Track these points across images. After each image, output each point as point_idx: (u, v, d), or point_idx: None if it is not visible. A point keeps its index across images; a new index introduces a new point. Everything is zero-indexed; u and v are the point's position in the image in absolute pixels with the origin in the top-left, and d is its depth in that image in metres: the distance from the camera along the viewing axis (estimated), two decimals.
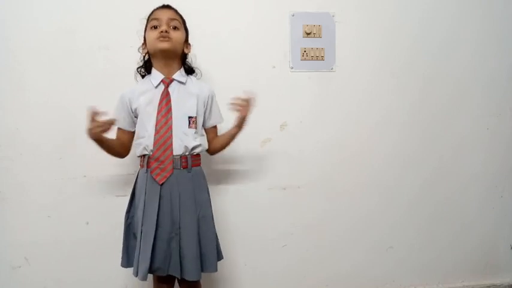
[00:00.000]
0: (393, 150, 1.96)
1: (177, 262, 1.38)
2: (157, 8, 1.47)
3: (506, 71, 2.02)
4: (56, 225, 1.73)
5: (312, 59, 1.86)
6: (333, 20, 1.87)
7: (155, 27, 1.42)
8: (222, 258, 1.54)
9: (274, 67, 1.84)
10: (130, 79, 1.62)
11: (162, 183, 1.39)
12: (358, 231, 1.96)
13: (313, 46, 1.86)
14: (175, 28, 1.44)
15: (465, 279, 2.06)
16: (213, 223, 1.49)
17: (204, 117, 1.51)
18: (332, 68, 1.88)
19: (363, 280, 1.98)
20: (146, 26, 1.48)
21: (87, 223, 1.75)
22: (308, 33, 1.85)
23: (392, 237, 1.99)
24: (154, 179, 1.39)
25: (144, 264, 1.35)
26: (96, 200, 1.74)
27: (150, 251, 1.35)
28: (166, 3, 1.51)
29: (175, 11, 1.49)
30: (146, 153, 1.42)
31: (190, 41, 1.60)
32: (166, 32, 1.40)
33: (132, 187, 1.50)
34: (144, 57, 1.54)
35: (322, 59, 1.87)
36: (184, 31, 1.50)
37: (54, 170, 1.71)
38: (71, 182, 1.72)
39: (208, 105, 1.52)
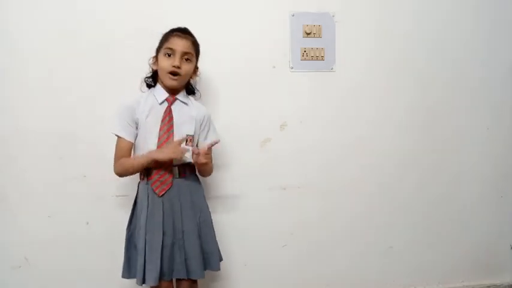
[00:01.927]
0: (394, 150, 1.96)
1: (181, 264, 1.44)
2: (176, 34, 1.46)
3: (507, 70, 2.02)
4: (56, 225, 1.73)
5: (312, 59, 1.86)
6: (333, 20, 1.87)
7: (169, 55, 1.44)
8: (222, 259, 1.59)
9: (274, 67, 1.84)
10: (130, 79, 1.62)
11: (162, 195, 1.44)
12: (358, 231, 1.96)
13: (313, 46, 1.86)
14: (187, 60, 1.46)
15: (465, 279, 2.06)
16: (213, 226, 1.56)
17: (200, 137, 1.55)
18: (332, 68, 1.88)
19: (363, 280, 1.98)
20: (161, 45, 1.48)
21: (87, 223, 1.75)
22: (308, 33, 1.85)
23: (392, 237, 1.99)
24: (153, 191, 1.44)
25: (154, 271, 1.39)
26: (96, 200, 1.74)
27: (159, 260, 1.40)
28: (183, 28, 1.49)
29: (192, 40, 1.49)
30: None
31: None
32: (178, 67, 1.43)
33: (129, 188, 1.55)
34: (152, 69, 1.54)
35: (322, 59, 1.87)
36: (195, 60, 1.51)
37: (54, 170, 1.71)
38: (71, 182, 1.72)
39: (205, 126, 1.56)
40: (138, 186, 1.51)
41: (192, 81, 1.60)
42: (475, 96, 2.01)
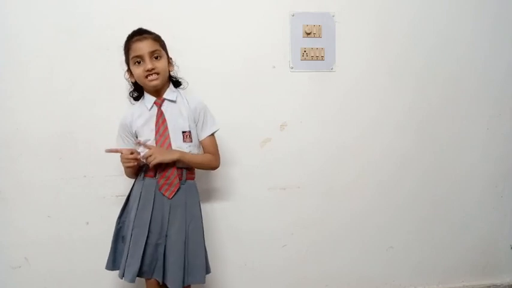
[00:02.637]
0: (394, 150, 1.96)
1: (160, 268, 1.42)
2: (134, 40, 1.43)
3: (506, 70, 2.02)
4: (56, 225, 1.73)
5: (312, 59, 1.86)
6: (333, 20, 1.87)
7: (138, 62, 1.43)
8: (210, 272, 1.54)
9: (274, 67, 1.84)
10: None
11: (172, 197, 1.44)
12: (358, 231, 1.96)
13: (313, 46, 1.86)
14: (157, 57, 1.44)
15: (465, 279, 2.07)
16: (203, 236, 1.51)
17: (197, 129, 1.53)
18: (332, 68, 1.88)
19: (363, 280, 1.98)
20: (127, 56, 1.47)
21: (87, 223, 1.75)
22: (308, 33, 1.85)
23: (392, 237, 1.99)
24: (163, 195, 1.44)
25: (134, 267, 1.39)
26: (96, 200, 1.74)
27: (140, 255, 1.39)
28: (139, 29, 1.47)
29: (151, 37, 1.45)
30: (144, 162, 1.46)
31: (191, 40, 1.60)
32: (152, 69, 1.41)
33: (129, 189, 1.54)
34: (131, 82, 1.54)
35: (322, 59, 1.87)
36: (164, 53, 1.48)
37: (54, 170, 1.71)
38: (71, 182, 1.72)
39: (199, 118, 1.52)
40: (134, 181, 1.52)
41: (173, 73, 1.57)
42: (475, 96, 2.01)
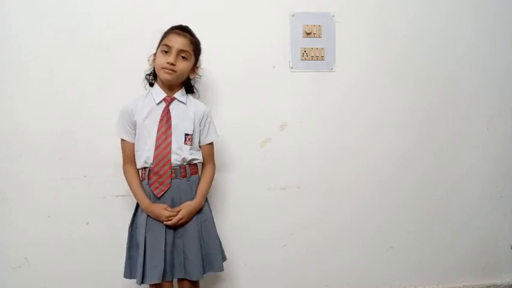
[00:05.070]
0: (394, 150, 1.96)
1: (181, 263, 1.45)
2: (174, 32, 1.46)
3: (506, 70, 2.02)
4: (56, 225, 1.73)
5: (312, 59, 1.86)
6: (333, 20, 1.87)
7: (165, 52, 1.44)
8: (226, 259, 1.59)
9: (274, 67, 1.84)
10: (130, 79, 1.62)
11: (161, 196, 1.45)
12: (358, 231, 1.96)
13: (313, 46, 1.86)
14: (184, 58, 1.45)
15: (465, 279, 2.07)
16: (215, 226, 1.55)
17: (199, 135, 1.54)
18: (332, 68, 1.88)
19: (363, 280, 1.98)
20: (160, 42, 1.48)
21: (87, 223, 1.75)
22: (308, 33, 1.85)
23: (392, 237, 1.99)
24: (152, 192, 1.45)
25: (158, 267, 1.40)
26: (96, 200, 1.74)
27: (162, 256, 1.40)
28: (183, 26, 1.50)
29: (190, 38, 1.48)
30: (147, 166, 1.47)
31: None
32: (172, 64, 1.42)
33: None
34: (152, 66, 1.55)
35: (322, 59, 1.87)
36: (193, 58, 1.50)
37: (54, 170, 1.71)
38: (71, 182, 1.72)
39: (204, 124, 1.55)
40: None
41: (192, 81, 1.60)
42: (475, 96, 2.01)
